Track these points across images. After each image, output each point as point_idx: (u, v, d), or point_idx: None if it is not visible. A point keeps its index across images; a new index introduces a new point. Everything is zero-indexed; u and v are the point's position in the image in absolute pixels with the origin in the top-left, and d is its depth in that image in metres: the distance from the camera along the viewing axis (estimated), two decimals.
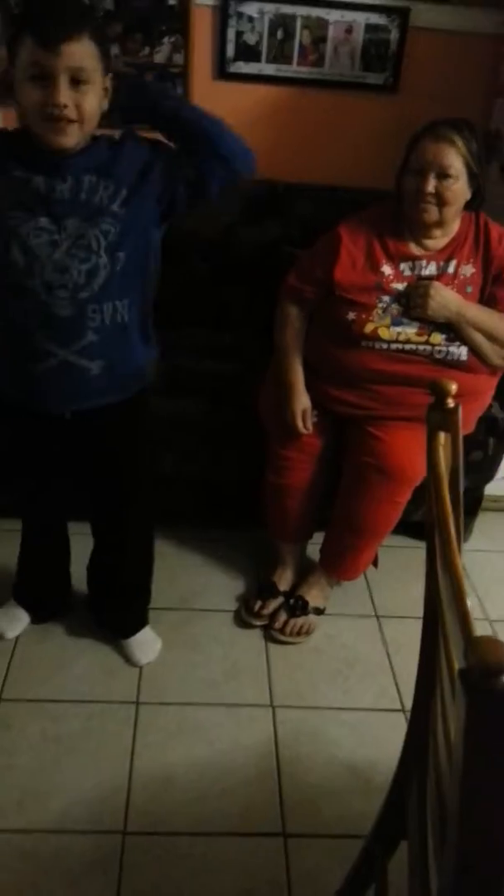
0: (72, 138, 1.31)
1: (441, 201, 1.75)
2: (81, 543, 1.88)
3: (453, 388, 0.96)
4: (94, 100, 1.30)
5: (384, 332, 1.80)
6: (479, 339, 1.80)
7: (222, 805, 1.56)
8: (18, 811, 1.51)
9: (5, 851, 1.44)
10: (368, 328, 1.81)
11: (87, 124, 1.32)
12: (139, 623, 1.91)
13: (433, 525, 0.89)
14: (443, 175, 1.72)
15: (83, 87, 1.28)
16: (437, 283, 1.78)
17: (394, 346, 1.81)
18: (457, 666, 0.73)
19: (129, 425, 1.61)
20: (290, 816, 1.55)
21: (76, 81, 1.27)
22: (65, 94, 1.26)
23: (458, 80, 2.35)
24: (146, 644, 1.89)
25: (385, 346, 1.81)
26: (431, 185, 1.73)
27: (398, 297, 1.81)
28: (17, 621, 1.91)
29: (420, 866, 1.01)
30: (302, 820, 1.54)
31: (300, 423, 1.88)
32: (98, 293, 1.40)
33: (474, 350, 1.81)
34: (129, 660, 1.87)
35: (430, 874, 0.97)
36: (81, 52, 1.25)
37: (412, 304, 1.79)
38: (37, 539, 1.87)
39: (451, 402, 0.96)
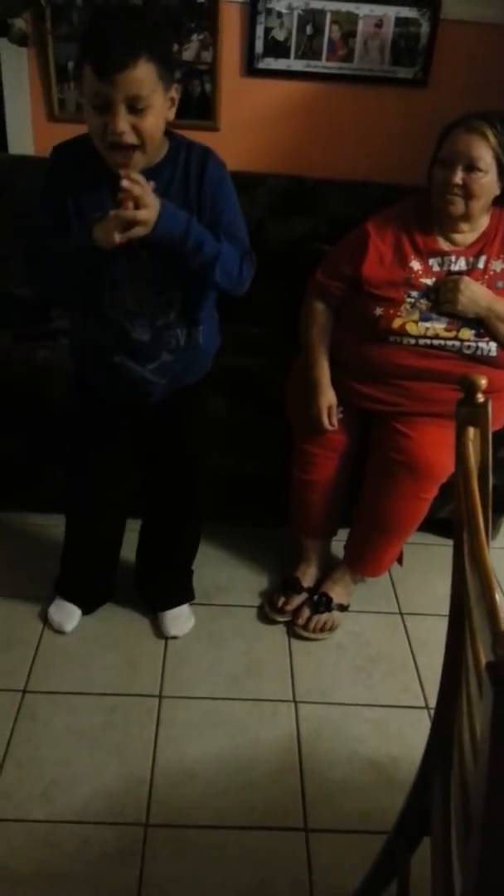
0: (134, 162, 1.34)
1: (468, 194, 1.73)
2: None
3: (483, 382, 0.95)
4: (153, 120, 1.32)
5: (412, 328, 1.79)
6: None
7: (244, 799, 1.56)
8: (42, 802, 1.53)
9: (29, 841, 1.46)
10: (396, 323, 1.80)
11: (148, 144, 1.34)
12: (184, 597, 1.98)
13: (462, 521, 0.89)
14: (471, 167, 1.71)
15: (142, 111, 1.29)
16: (466, 278, 1.76)
17: (422, 341, 1.79)
18: (484, 660, 0.73)
19: (192, 407, 1.69)
20: (311, 811, 1.55)
21: (134, 108, 1.28)
22: (122, 122, 1.28)
23: (489, 73, 2.33)
24: (181, 618, 1.95)
25: (413, 341, 1.80)
26: (459, 177, 1.72)
27: (427, 292, 1.80)
28: (72, 615, 1.94)
29: (443, 862, 1.00)
30: (323, 815, 1.54)
31: (325, 420, 1.88)
32: (175, 320, 1.51)
33: None
34: (161, 631, 1.92)
35: (453, 870, 0.97)
36: (137, 80, 1.26)
37: (442, 298, 1.77)
38: (87, 532, 1.90)
39: (480, 397, 0.95)
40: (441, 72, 2.35)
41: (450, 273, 1.81)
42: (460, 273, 1.80)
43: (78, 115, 2.39)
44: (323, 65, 2.34)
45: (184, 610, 1.96)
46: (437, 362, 1.80)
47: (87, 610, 1.96)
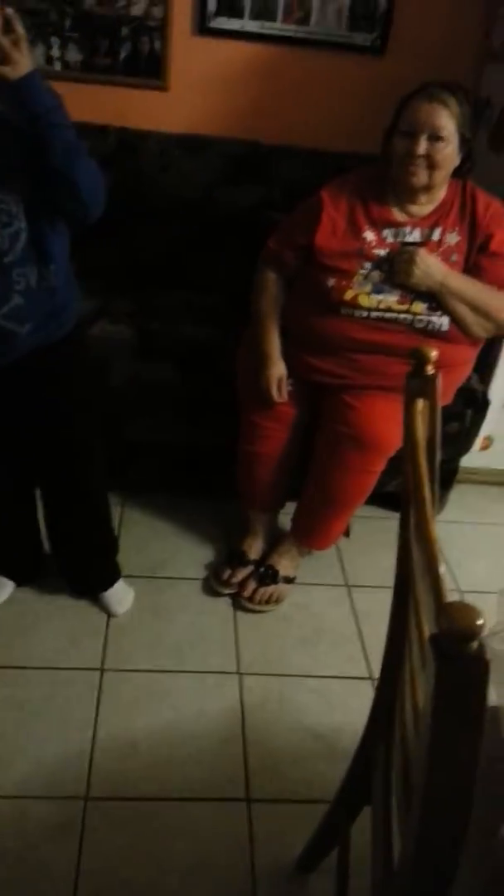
0: None
1: (431, 164, 1.70)
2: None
3: (434, 354, 0.94)
4: None
5: (364, 300, 1.77)
6: (462, 309, 1.77)
7: (186, 771, 1.56)
8: None
9: None
10: (348, 295, 1.78)
11: None
12: (113, 576, 1.92)
13: (408, 494, 0.88)
14: (435, 137, 1.68)
15: None
16: (422, 251, 1.75)
17: (374, 314, 1.78)
18: (427, 633, 0.72)
19: (63, 371, 1.59)
20: (254, 781, 1.55)
21: None
22: None
23: (447, 43, 2.31)
24: (118, 594, 1.91)
25: (365, 313, 1.78)
26: (423, 148, 1.69)
27: (380, 262, 1.78)
28: (2, 587, 1.89)
29: (383, 832, 1.01)
30: (266, 785, 1.55)
31: (275, 391, 1.86)
32: (23, 255, 1.38)
33: (457, 321, 1.78)
34: (106, 611, 1.89)
35: (392, 840, 0.98)
36: None
37: (396, 269, 1.75)
38: None
39: (430, 370, 0.94)
40: (399, 40, 2.31)
41: (404, 244, 1.79)
42: (414, 244, 1.78)
43: None
44: (278, 27, 2.28)
45: (119, 587, 1.92)
46: (389, 336, 1.79)
47: (19, 582, 1.92)
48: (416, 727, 0.85)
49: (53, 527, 1.86)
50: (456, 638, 0.57)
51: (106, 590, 1.90)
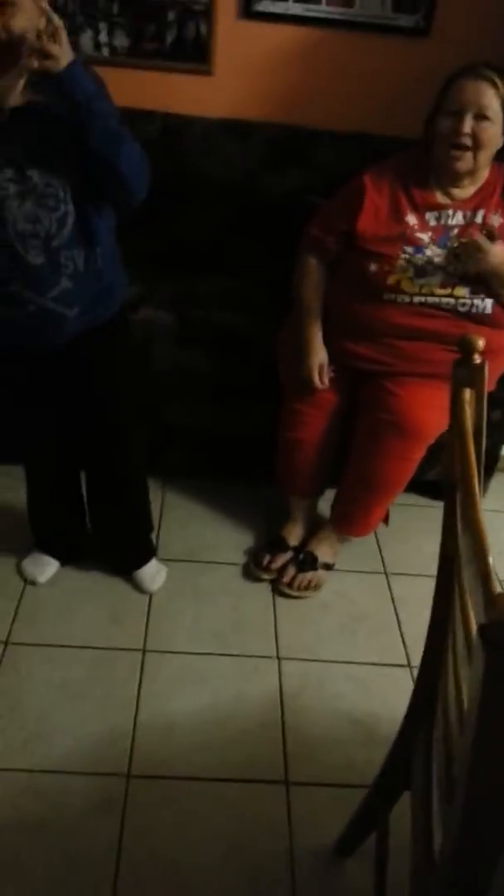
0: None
1: (477, 144, 1.67)
2: None
3: (481, 343, 0.93)
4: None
5: (407, 285, 1.76)
6: None
7: (225, 753, 1.58)
8: (24, 751, 1.54)
9: (12, 789, 1.47)
10: (391, 280, 1.77)
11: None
12: (147, 555, 1.96)
13: (454, 482, 0.87)
14: (481, 116, 1.65)
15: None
16: (481, 237, 1.68)
17: (416, 298, 1.76)
18: (475, 623, 0.72)
19: (107, 349, 1.62)
20: (292, 765, 1.57)
21: None
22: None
23: (492, 25, 2.25)
24: (150, 573, 1.95)
25: (408, 298, 1.77)
26: (468, 126, 1.66)
27: (423, 248, 1.76)
28: (47, 566, 1.94)
29: (423, 817, 1.01)
30: (304, 769, 1.56)
31: (316, 379, 1.86)
32: (70, 239, 1.41)
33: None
34: (140, 589, 1.93)
35: (433, 826, 0.98)
36: None
37: (464, 259, 1.68)
38: (41, 480, 1.86)
39: (477, 359, 0.93)
40: (444, 21, 2.26)
41: (447, 227, 1.76)
42: (457, 227, 1.75)
43: None
44: (323, 9, 2.25)
45: (152, 565, 1.96)
46: (431, 322, 1.77)
47: (64, 561, 1.96)
48: (460, 716, 0.85)
49: (94, 506, 1.90)
50: None
51: (140, 567, 1.94)
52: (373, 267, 1.78)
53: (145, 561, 1.95)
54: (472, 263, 1.69)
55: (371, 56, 2.32)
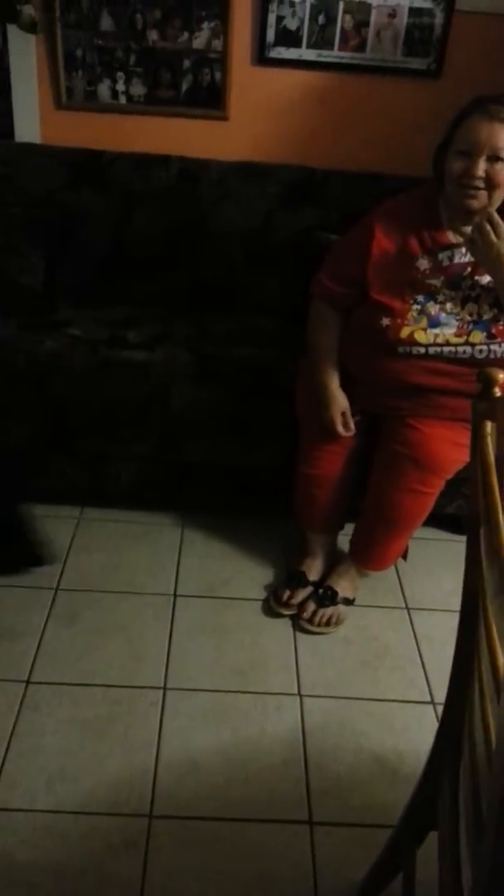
0: None
1: (491, 185, 1.65)
2: None
3: (501, 376, 0.94)
4: None
5: (421, 336, 1.75)
6: None
7: (248, 791, 1.56)
8: (47, 792, 1.52)
9: (34, 830, 1.45)
10: (404, 333, 1.76)
11: None
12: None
13: (478, 515, 0.88)
14: (494, 157, 1.62)
15: None
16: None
17: (432, 349, 1.75)
18: (501, 659, 0.72)
19: None
20: (316, 804, 1.54)
21: None
22: None
23: (503, 65, 2.31)
24: None
25: (423, 350, 1.75)
26: (481, 169, 1.63)
27: (435, 295, 1.76)
28: None
29: (451, 858, 1.00)
30: (328, 808, 1.54)
31: (340, 427, 1.86)
32: None
33: None
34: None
35: (461, 866, 0.96)
36: None
37: (482, 243, 1.65)
38: None
39: (498, 392, 0.94)
40: (455, 63, 2.33)
41: (459, 266, 1.77)
42: (469, 265, 1.76)
43: (86, 103, 2.38)
44: (335, 55, 2.32)
45: None
46: (449, 381, 1.76)
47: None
48: (488, 755, 0.84)
49: None
50: None
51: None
52: (385, 321, 1.77)
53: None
54: (489, 249, 1.64)
55: (383, 98, 2.39)
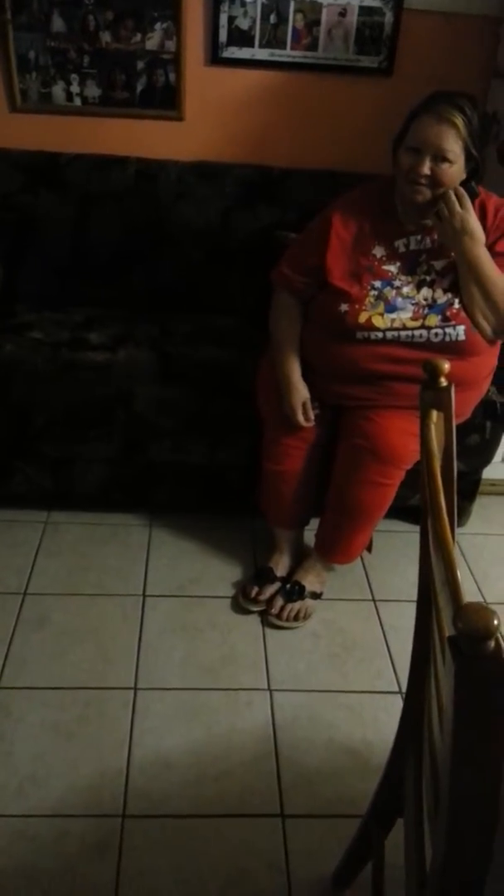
0: None
1: (434, 183, 1.70)
2: None
3: (446, 366, 0.96)
4: None
5: (378, 321, 1.78)
6: (475, 294, 1.74)
7: (220, 787, 1.57)
8: (18, 796, 1.52)
9: (6, 835, 1.45)
10: (362, 318, 1.79)
11: None
12: None
13: (425, 502, 0.89)
14: (440, 158, 1.67)
15: None
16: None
17: (389, 334, 1.78)
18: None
19: None
20: (288, 797, 1.56)
21: None
22: None
23: (454, 61, 2.34)
24: None
25: (380, 335, 1.78)
26: (427, 167, 1.68)
27: (391, 280, 1.79)
28: None
29: (415, 840, 1.01)
30: (300, 801, 1.55)
31: (300, 417, 1.88)
32: None
33: (465, 305, 1.76)
34: None
35: (425, 847, 0.98)
36: None
37: (446, 213, 1.71)
38: None
39: (443, 381, 0.96)
40: (406, 61, 2.35)
41: (416, 252, 1.79)
42: (426, 251, 1.78)
43: (41, 106, 2.37)
44: (288, 54, 2.33)
45: None
46: (406, 367, 1.78)
47: None
48: (442, 732, 0.86)
49: None
50: (473, 638, 0.59)
51: None
52: (343, 307, 1.80)
53: None
54: (453, 218, 1.70)
55: (336, 96, 2.40)
